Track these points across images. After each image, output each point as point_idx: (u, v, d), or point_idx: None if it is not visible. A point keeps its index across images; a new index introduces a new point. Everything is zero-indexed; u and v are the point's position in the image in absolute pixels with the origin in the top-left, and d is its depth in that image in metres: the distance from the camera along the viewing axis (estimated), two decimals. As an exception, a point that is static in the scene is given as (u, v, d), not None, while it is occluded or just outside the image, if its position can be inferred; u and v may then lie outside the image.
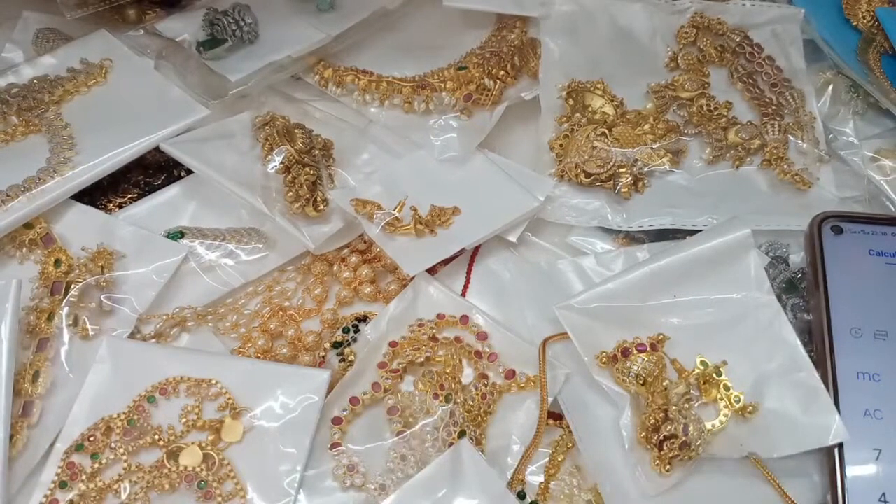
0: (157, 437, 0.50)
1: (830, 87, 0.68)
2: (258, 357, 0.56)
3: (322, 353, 0.57)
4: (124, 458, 0.49)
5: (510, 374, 0.54)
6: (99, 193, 0.62)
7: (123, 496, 0.48)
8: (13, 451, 0.49)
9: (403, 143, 0.65)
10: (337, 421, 0.52)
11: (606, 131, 0.63)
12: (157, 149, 0.61)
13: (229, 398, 0.51)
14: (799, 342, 0.53)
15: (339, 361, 0.56)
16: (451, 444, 0.50)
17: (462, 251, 0.59)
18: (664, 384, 0.50)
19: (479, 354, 0.55)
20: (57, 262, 0.56)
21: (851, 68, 0.67)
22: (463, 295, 0.59)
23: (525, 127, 0.67)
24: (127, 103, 0.63)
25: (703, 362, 0.52)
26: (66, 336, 0.53)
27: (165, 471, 0.49)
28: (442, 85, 0.66)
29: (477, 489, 0.48)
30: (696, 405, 0.50)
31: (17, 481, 0.49)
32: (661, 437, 0.49)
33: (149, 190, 0.63)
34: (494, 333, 0.56)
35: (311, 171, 0.59)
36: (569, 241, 0.61)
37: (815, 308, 0.55)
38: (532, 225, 0.61)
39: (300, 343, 0.57)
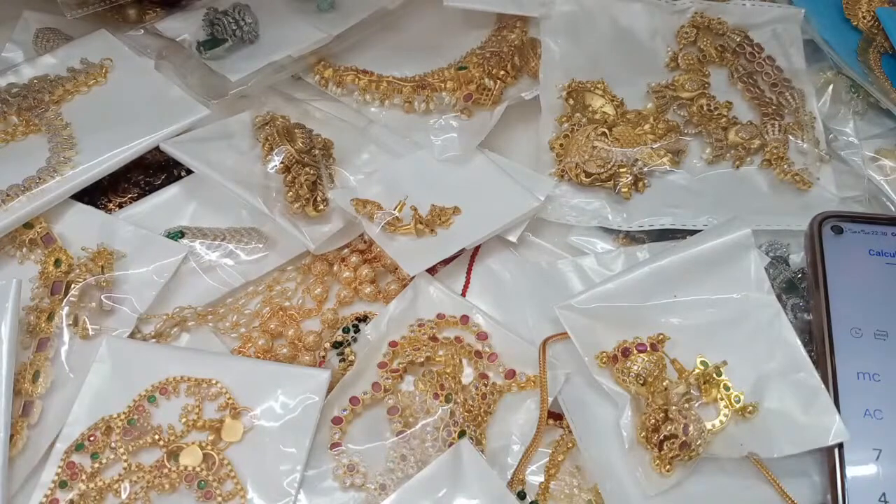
0: (157, 436, 0.50)
1: (830, 87, 0.68)
2: (258, 357, 0.56)
3: (322, 353, 0.57)
4: (124, 457, 0.49)
5: (510, 374, 0.54)
6: (99, 193, 0.62)
7: (123, 496, 0.49)
8: (13, 451, 0.49)
9: (404, 143, 0.65)
10: (337, 421, 0.52)
11: (606, 131, 0.63)
12: (157, 149, 0.61)
13: (229, 398, 0.51)
14: (799, 342, 0.53)
15: (340, 361, 0.56)
16: (451, 444, 0.50)
17: (462, 251, 0.59)
18: (664, 384, 0.50)
19: (479, 354, 0.55)
20: (57, 262, 0.56)
21: (851, 68, 0.67)
22: (463, 295, 0.59)
23: (525, 127, 0.67)
24: (127, 103, 0.63)
25: (703, 362, 0.52)
26: (66, 336, 0.53)
27: (165, 471, 0.49)
28: (442, 85, 0.66)
29: (477, 489, 0.48)
30: (696, 405, 0.50)
31: (17, 481, 0.49)
32: (661, 437, 0.49)
33: (149, 190, 0.63)
34: (494, 333, 0.56)
35: (311, 171, 0.59)
36: (569, 241, 0.61)
37: (815, 308, 0.55)
38: (532, 225, 0.61)
39: (300, 343, 0.57)
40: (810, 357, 0.52)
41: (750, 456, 0.49)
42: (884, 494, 0.48)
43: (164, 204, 0.61)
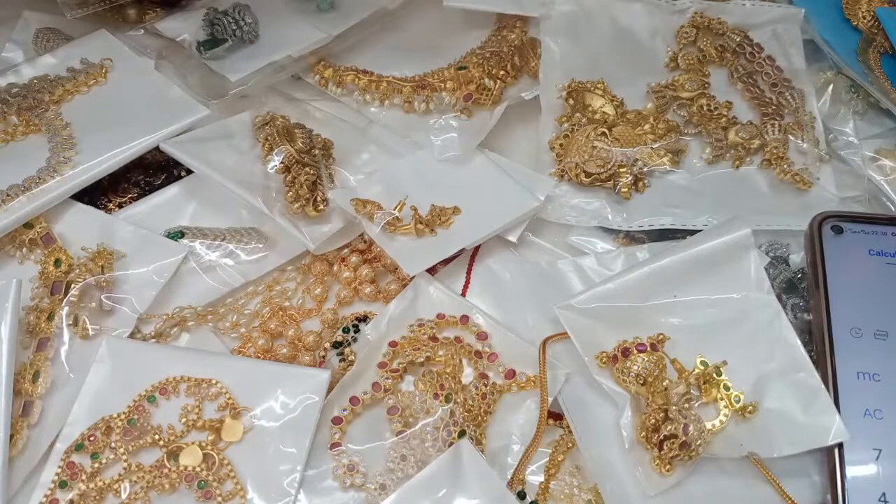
0: (157, 436, 0.50)
1: (830, 87, 0.68)
2: (258, 357, 0.56)
3: (322, 353, 0.57)
4: (124, 457, 0.49)
5: (510, 374, 0.54)
6: (99, 193, 0.62)
7: (123, 496, 0.49)
8: (13, 451, 0.49)
9: (404, 143, 0.65)
10: (337, 421, 0.52)
11: (606, 131, 0.63)
12: (157, 149, 0.61)
13: (229, 398, 0.51)
14: (799, 342, 0.53)
15: (340, 361, 0.56)
16: (451, 444, 0.50)
17: (462, 251, 0.59)
18: (664, 384, 0.50)
19: (479, 354, 0.55)
20: (57, 262, 0.56)
21: (851, 68, 0.67)
22: (463, 295, 0.59)
23: (525, 127, 0.67)
24: (127, 103, 0.63)
25: (703, 362, 0.52)
26: (66, 336, 0.53)
27: (165, 471, 0.49)
28: (442, 85, 0.66)
29: (477, 489, 0.48)
30: (696, 405, 0.50)
31: (17, 481, 0.49)
32: (661, 437, 0.49)
33: (149, 190, 0.63)
34: (494, 333, 0.56)
35: (311, 171, 0.59)
36: (569, 241, 0.61)
37: (815, 308, 0.55)
38: (532, 225, 0.61)
39: (300, 343, 0.57)
40: (810, 357, 0.52)
41: (750, 456, 0.49)
42: (884, 494, 0.48)
43: (164, 204, 0.61)
